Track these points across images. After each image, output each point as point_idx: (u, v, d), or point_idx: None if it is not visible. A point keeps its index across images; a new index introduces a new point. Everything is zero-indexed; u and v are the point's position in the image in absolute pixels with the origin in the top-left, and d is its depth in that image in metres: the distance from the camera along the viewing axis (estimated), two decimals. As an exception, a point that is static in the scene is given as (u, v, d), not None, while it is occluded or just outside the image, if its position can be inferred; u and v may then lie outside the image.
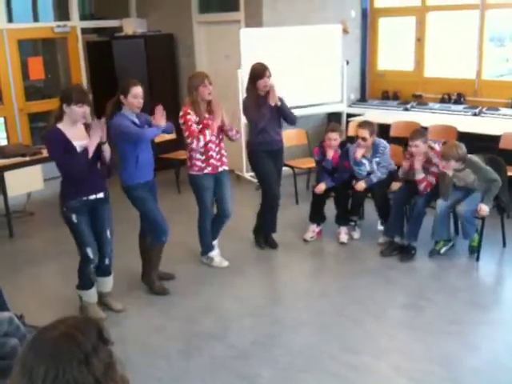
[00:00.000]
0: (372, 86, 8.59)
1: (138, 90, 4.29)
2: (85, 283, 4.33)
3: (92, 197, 4.08)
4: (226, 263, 5.15)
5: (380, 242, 5.50)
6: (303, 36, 7.21)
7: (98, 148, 3.97)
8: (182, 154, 7.88)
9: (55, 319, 1.38)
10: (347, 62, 7.69)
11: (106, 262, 4.37)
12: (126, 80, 4.47)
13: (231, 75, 7.23)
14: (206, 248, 5.16)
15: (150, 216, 4.53)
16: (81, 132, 3.98)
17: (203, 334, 4.11)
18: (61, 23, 8.31)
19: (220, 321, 4.31)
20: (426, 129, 6.83)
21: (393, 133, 7.06)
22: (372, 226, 5.78)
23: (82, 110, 3.85)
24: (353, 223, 5.74)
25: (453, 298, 4.51)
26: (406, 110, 7.75)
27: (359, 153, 5.44)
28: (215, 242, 5.21)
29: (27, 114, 8.16)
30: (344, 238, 5.59)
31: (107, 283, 4.48)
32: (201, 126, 4.66)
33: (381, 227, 5.64)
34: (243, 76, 6.95)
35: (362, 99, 8.48)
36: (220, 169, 4.86)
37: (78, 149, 3.90)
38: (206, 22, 8.23)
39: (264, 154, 5.23)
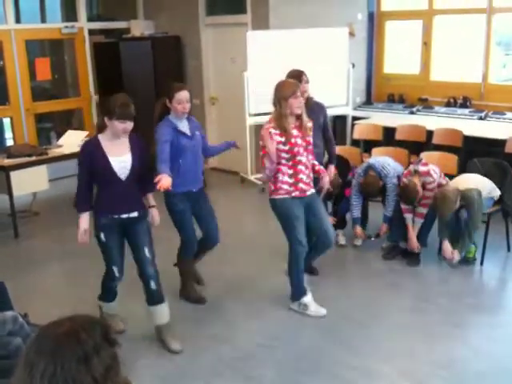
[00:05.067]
0: (378, 89, 8.59)
1: (182, 95, 4.06)
2: (107, 295, 4.11)
3: (124, 216, 3.75)
4: (323, 311, 4.36)
5: (384, 247, 5.49)
6: (309, 39, 7.22)
7: (139, 165, 3.72)
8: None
9: (59, 317, 1.39)
10: (353, 65, 7.70)
11: (152, 285, 3.83)
12: (172, 83, 4.25)
13: (238, 77, 7.24)
14: (298, 292, 4.39)
15: (182, 230, 4.31)
16: (122, 146, 3.68)
17: (208, 335, 4.12)
18: (68, 24, 8.35)
19: (225, 322, 4.31)
20: (431, 133, 6.85)
21: (398, 136, 7.06)
22: (376, 229, 5.77)
23: (124, 126, 3.56)
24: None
25: (457, 302, 4.50)
26: (412, 113, 7.75)
27: None
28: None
29: (34, 115, 8.20)
30: (342, 239, 5.59)
31: (161, 313, 3.93)
32: (288, 147, 4.06)
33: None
34: (249, 78, 6.97)
35: (368, 102, 8.48)
36: (308, 193, 4.22)
37: (116, 165, 3.63)
38: (213, 24, 8.25)
39: None
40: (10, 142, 7.96)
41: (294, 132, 4.07)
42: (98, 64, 8.56)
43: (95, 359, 1.28)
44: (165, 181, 3.76)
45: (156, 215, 3.97)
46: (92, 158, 3.63)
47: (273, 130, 4.02)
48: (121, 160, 3.65)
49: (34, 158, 6.27)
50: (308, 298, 4.40)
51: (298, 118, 4.10)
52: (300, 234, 4.19)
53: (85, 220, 3.79)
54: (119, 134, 3.61)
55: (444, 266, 5.16)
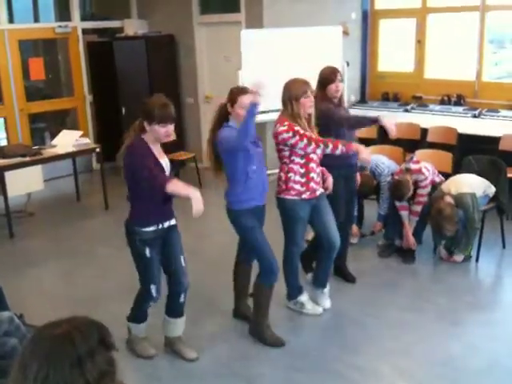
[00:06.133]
0: (372, 88, 8.60)
1: (247, 100, 3.62)
2: (139, 317, 3.81)
3: (166, 224, 3.57)
4: (320, 309, 4.40)
5: (379, 245, 5.50)
6: (304, 37, 7.21)
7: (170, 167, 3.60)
8: (182, 155, 7.91)
9: (57, 318, 1.38)
10: (347, 64, 7.69)
11: (182, 298, 3.73)
12: (233, 88, 3.83)
13: (232, 76, 7.23)
14: (294, 291, 4.41)
15: (258, 249, 3.86)
16: (160, 148, 3.53)
17: (205, 335, 4.12)
18: (62, 24, 8.32)
19: (222, 322, 4.31)
20: (425, 130, 6.86)
21: (393, 134, 7.06)
22: (371, 227, 5.77)
23: (165, 130, 3.36)
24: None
25: (453, 300, 4.51)
26: (406, 111, 7.75)
27: None
28: (326, 290, 4.47)
29: (28, 115, 8.16)
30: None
31: (178, 326, 3.84)
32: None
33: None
34: (243, 77, 6.96)
35: (363, 100, 8.48)
36: (318, 192, 4.11)
37: (165, 167, 3.48)
38: (206, 23, 8.23)
39: (339, 173, 4.40)
40: (3, 143, 7.92)
41: (308, 131, 3.96)
42: (91, 63, 8.54)
43: (89, 364, 1.27)
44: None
45: None
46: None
47: (296, 127, 3.89)
48: (165, 163, 3.49)
49: (28, 159, 6.24)
50: (304, 297, 4.41)
51: (309, 117, 4.04)
52: (299, 236, 4.16)
53: (182, 184, 3.32)
54: (161, 139, 3.41)
55: (439, 263, 5.18)
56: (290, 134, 3.88)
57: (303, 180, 4.00)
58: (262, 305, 3.97)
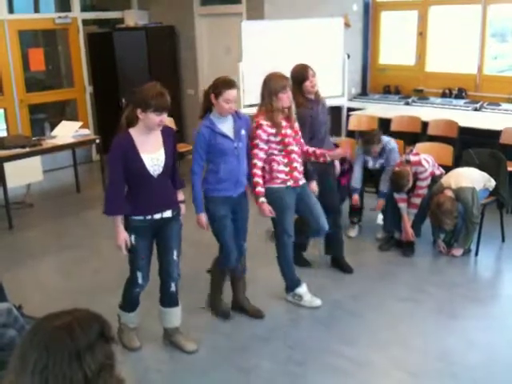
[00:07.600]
0: (373, 80, 8.57)
1: (231, 95, 3.66)
2: (127, 304, 3.82)
3: (157, 216, 3.54)
4: (318, 302, 4.39)
5: (378, 238, 5.50)
6: (304, 29, 7.18)
7: (172, 160, 3.55)
8: (182, 147, 7.88)
9: (57, 310, 1.37)
10: (348, 56, 7.66)
11: (172, 287, 3.72)
12: (218, 80, 3.77)
13: (232, 68, 7.21)
14: (291, 283, 4.41)
15: (222, 238, 3.98)
16: (155, 141, 3.47)
17: (203, 327, 4.13)
18: (62, 14, 8.29)
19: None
20: (426, 124, 6.84)
21: (394, 127, 7.05)
22: (371, 220, 5.77)
23: (160, 119, 3.34)
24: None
25: (451, 293, 4.51)
26: (407, 104, 7.73)
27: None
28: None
29: (27, 106, 8.14)
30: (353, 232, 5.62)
31: (174, 316, 3.83)
32: (279, 138, 3.99)
33: (380, 221, 5.63)
34: (244, 69, 6.94)
35: (363, 93, 8.46)
36: (300, 182, 4.18)
37: (148, 163, 3.42)
38: (207, 14, 8.20)
39: (329, 170, 4.71)
40: (3, 133, 7.91)
41: (283, 123, 4.02)
42: (91, 54, 8.52)
43: (88, 357, 1.27)
44: (201, 223, 3.92)
45: (182, 211, 3.76)
46: (126, 156, 3.36)
47: (264, 122, 3.97)
48: (153, 157, 3.43)
49: (27, 150, 6.24)
50: (302, 289, 4.41)
51: (289, 109, 4.06)
52: (288, 224, 4.19)
53: (121, 227, 3.49)
54: (154, 127, 3.38)
55: (438, 256, 5.18)
56: (254, 134, 3.99)
57: (287, 169, 4.08)
58: (214, 281, 4.27)
